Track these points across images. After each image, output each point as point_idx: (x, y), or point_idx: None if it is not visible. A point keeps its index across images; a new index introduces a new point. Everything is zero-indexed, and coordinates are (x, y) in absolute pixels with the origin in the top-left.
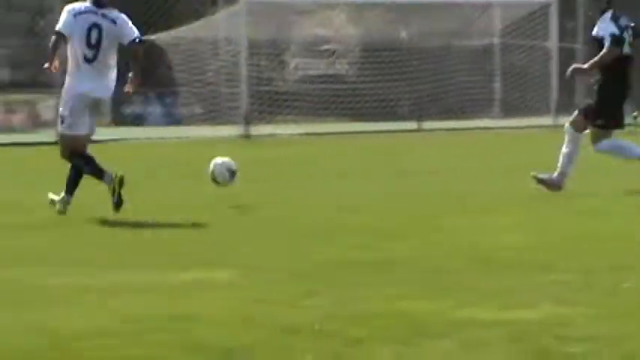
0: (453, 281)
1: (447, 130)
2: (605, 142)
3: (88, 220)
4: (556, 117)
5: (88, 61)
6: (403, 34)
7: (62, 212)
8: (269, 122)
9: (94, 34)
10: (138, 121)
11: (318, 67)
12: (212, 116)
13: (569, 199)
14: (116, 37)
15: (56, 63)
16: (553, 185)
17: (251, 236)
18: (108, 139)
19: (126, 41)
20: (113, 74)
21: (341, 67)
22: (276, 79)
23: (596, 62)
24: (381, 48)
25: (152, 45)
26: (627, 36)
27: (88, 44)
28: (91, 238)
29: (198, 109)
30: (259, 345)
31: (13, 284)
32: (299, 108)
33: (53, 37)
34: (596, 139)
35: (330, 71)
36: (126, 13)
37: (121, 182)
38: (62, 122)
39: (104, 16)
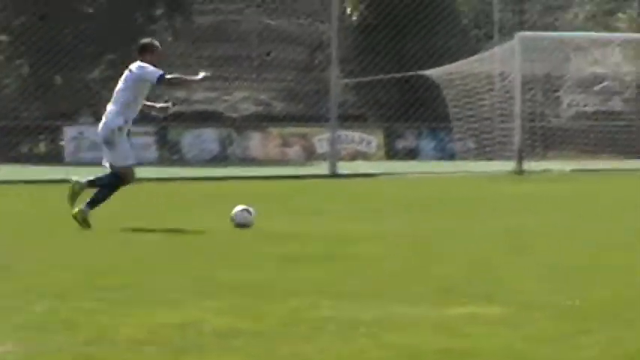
0: None
1: None
2: None
3: (356, 255)
4: None
5: None
6: None
7: None
8: (542, 158)
9: None
10: (411, 154)
11: (593, 103)
12: (485, 151)
13: None
14: None
15: None
16: None
17: (523, 271)
18: (380, 173)
19: None
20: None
21: (615, 103)
22: (550, 115)
23: None
24: None
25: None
26: None
27: None
28: (360, 271)
29: (471, 144)
30: None
31: (290, 315)
32: (572, 144)
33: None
34: None
35: (605, 108)
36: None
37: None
38: None
39: None
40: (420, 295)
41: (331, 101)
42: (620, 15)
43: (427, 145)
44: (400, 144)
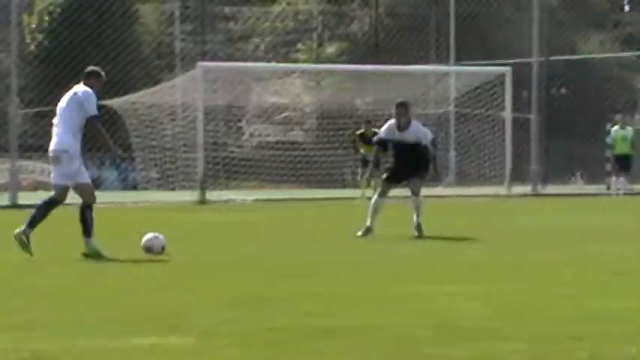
0: (416, 350)
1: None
2: None
3: (39, 285)
4: (510, 186)
5: None
6: (359, 101)
7: None
8: (224, 188)
9: None
10: (93, 184)
11: (274, 133)
12: (168, 181)
13: (519, 269)
14: None
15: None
16: None
17: (204, 301)
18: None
19: None
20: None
21: (297, 134)
22: (233, 145)
23: None
24: (337, 115)
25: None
26: None
27: None
28: (43, 302)
29: (154, 174)
30: None
31: None
32: (254, 174)
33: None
34: None
35: (286, 138)
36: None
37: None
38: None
39: None
40: (102, 325)
41: (11, 131)
42: (300, 46)
43: (110, 175)
44: None
